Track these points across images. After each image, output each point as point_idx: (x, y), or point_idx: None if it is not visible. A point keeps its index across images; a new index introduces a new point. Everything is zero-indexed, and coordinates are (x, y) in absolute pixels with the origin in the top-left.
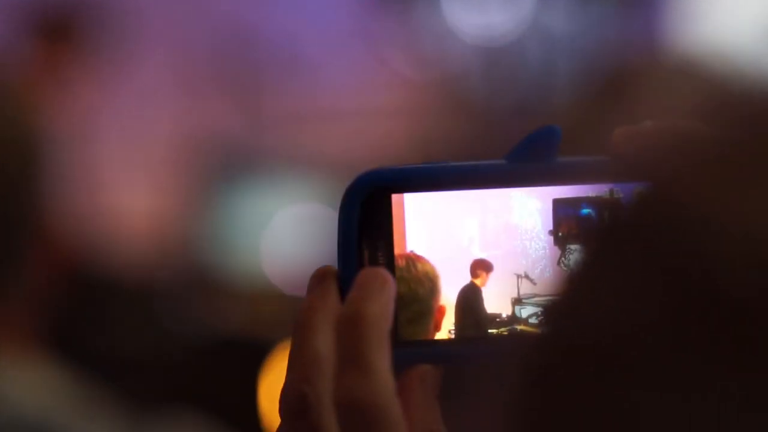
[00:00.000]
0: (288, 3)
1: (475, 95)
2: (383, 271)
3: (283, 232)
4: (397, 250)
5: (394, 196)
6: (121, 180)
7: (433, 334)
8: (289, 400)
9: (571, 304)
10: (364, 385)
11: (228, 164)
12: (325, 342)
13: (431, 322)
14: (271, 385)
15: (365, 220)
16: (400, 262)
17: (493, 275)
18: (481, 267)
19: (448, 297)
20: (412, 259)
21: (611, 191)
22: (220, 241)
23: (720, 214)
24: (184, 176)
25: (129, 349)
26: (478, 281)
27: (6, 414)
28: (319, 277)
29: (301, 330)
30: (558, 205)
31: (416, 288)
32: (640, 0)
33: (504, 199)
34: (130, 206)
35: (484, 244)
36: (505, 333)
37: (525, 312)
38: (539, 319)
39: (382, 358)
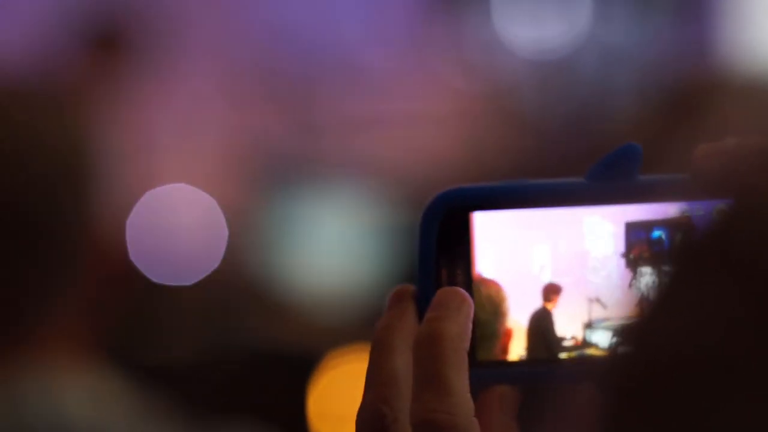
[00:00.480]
0: (340, 11)
1: (527, 107)
2: (461, 291)
3: (335, 240)
4: None
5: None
6: (173, 190)
7: (501, 358)
8: (366, 419)
9: (654, 322)
10: (442, 405)
11: (279, 172)
12: (402, 361)
13: (498, 345)
14: (320, 396)
15: (444, 239)
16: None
17: (564, 300)
18: (552, 291)
19: (518, 320)
20: (479, 282)
21: (683, 213)
22: (272, 250)
23: None
24: (237, 185)
25: (180, 359)
26: (549, 305)
27: (59, 424)
28: (397, 296)
29: (379, 349)
30: (630, 228)
31: (479, 312)
32: (698, 13)
33: (576, 223)
34: (183, 216)
35: (556, 270)
36: (579, 356)
37: (596, 336)
38: (617, 339)
39: (460, 378)
